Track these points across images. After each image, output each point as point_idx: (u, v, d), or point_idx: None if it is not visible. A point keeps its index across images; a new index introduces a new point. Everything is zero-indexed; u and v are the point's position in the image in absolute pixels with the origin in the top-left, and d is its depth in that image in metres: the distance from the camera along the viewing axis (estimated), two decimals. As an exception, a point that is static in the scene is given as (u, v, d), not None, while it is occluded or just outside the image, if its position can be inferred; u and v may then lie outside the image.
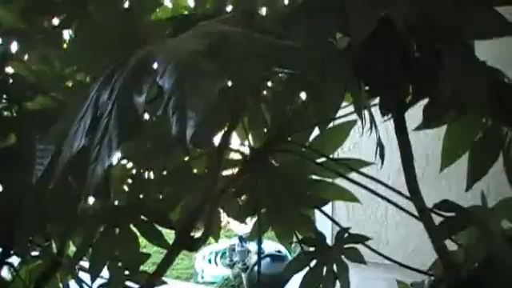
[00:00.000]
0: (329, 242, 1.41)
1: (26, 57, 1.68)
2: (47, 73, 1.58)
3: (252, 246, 4.53)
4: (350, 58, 1.04)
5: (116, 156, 1.57)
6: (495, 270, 1.06)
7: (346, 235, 1.36)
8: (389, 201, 1.30)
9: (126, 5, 1.35)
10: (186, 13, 1.66)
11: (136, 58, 0.64)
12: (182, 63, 0.58)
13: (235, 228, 5.04)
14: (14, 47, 1.68)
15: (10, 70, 1.65)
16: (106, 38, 1.25)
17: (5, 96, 1.53)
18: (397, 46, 1.11)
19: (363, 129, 1.01)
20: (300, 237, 1.46)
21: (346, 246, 1.37)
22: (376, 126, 1.05)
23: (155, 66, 0.60)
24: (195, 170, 1.49)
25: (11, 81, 1.56)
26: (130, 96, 0.59)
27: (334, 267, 1.36)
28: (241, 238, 4.65)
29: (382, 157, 1.08)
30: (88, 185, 0.62)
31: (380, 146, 1.08)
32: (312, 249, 1.39)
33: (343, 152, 1.42)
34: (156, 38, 1.02)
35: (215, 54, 0.60)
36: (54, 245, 1.74)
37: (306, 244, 1.39)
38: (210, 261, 4.80)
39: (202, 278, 4.71)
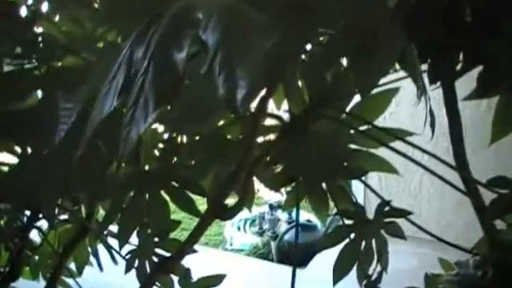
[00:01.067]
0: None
1: (56, 17, 1.64)
2: (78, 33, 1.54)
3: (282, 215, 4.49)
4: (400, 18, 0.97)
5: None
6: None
7: (387, 209, 1.30)
8: (430, 171, 1.23)
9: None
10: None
11: (174, 9, 0.57)
12: (227, 14, 0.51)
13: (265, 195, 5.00)
14: (44, 7, 1.64)
15: (40, 30, 1.61)
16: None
17: (34, 56, 1.49)
18: (449, 8, 1.04)
19: (420, 97, 0.94)
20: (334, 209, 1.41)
21: (385, 220, 1.31)
22: (427, 94, 0.98)
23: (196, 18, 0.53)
24: (229, 136, 1.44)
25: (41, 40, 1.52)
26: (169, 52, 0.53)
27: (373, 242, 1.30)
28: (271, 206, 4.61)
29: (433, 126, 1.01)
30: (121, 150, 0.57)
31: (431, 115, 1.01)
32: (350, 222, 1.32)
33: (378, 122, 1.36)
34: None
35: (261, 4, 0.53)
36: (83, 209, 1.72)
37: (344, 216, 1.33)
38: (239, 228, 4.78)
39: (231, 245, 4.70)
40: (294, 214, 4.36)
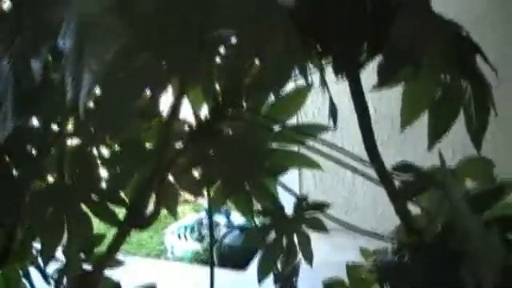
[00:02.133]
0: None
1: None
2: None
3: (220, 219, 4.48)
4: (297, 16, 0.97)
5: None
6: (457, 233, 1.02)
7: (306, 204, 1.31)
8: (350, 168, 1.25)
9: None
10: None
11: (37, 17, 0.56)
12: (84, 19, 0.51)
13: (204, 202, 4.97)
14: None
15: None
16: None
17: None
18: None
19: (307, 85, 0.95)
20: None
21: (307, 215, 1.32)
22: (327, 87, 0.99)
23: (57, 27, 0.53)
24: (148, 145, 1.43)
25: None
26: (27, 61, 0.52)
27: (295, 238, 1.31)
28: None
29: (335, 117, 1.03)
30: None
31: (332, 106, 1.02)
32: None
33: (307, 118, 1.37)
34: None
35: (124, 9, 0.52)
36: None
37: (263, 215, 1.33)
38: (179, 236, 4.74)
39: (172, 253, 4.66)
40: (232, 218, 4.37)
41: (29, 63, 0.51)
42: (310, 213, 1.32)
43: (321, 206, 1.29)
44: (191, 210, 5.20)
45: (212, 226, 1.77)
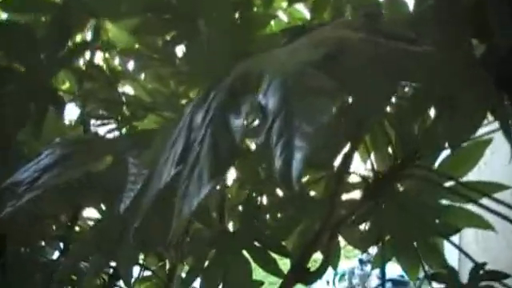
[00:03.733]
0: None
1: (142, 76, 1.68)
2: (162, 91, 1.56)
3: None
4: (489, 67, 0.90)
5: (231, 176, 1.51)
6: None
7: (484, 272, 1.20)
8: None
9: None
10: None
11: (235, 72, 0.54)
12: (290, 77, 0.46)
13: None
14: (130, 66, 1.68)
15: (125, 89, 1.65)
16: (217, 53, 1.18)
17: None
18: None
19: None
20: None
21: (481, 283, 1.21)
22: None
23: (258, 81, 0.49)
24: (313, 193, 1.40)
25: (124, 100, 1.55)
26: (226, 119, 0.49)
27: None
28: (361, 261, 4.49)
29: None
30: (174, 225, 0.52)
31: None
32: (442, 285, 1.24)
33: (472, 172, 1.28)
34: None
35: (331, 65, 0.48)
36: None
37: (436, 280, 1.24)
38: (328, 282, 4.68)
39: (320, 299, 4.60)
40: (385, 269, 4.23)
41: (228, 121, 0.48)
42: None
43: (499, 276, 1.17)
44: (342, 256, 5.13)
45: (384, 282, 1.69)
